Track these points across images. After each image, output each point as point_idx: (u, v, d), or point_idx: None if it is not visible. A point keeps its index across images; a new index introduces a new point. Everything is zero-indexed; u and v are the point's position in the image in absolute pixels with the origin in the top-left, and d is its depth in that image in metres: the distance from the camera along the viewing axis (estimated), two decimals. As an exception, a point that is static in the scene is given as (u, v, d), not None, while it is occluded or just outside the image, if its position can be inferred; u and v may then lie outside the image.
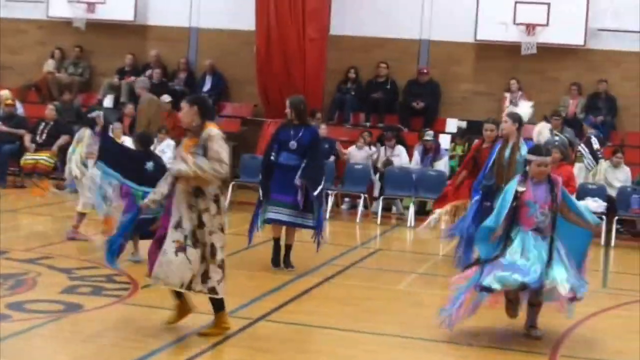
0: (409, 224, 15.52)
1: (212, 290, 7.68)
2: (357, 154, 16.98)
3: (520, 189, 8.07)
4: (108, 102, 19.30)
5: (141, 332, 8.04)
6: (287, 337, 8.09)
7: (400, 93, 18.98)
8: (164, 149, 16.84)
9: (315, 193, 10.60)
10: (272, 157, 10.70)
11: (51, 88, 19.61)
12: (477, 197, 10.73)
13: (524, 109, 10.89)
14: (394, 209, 16.67)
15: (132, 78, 19.41)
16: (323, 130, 16.21)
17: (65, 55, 20.49)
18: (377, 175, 16.58)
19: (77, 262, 10.62)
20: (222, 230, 7.70)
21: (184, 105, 7.81)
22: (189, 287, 7.67)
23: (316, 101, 17.83)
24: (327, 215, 15.39)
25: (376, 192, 16.38)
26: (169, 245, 7.58)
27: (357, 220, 15.79)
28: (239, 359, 7.38)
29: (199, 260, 7.61)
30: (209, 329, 7.87)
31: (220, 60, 19.83)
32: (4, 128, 17.07)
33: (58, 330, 7.93)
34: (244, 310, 8.81)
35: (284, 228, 10.86)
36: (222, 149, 7.57)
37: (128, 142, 17.20)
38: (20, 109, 18.28)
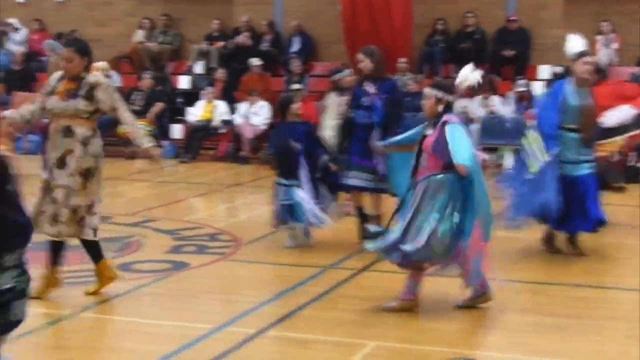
0: (506, 173, 15.41)
1: (59, 234, 7.56)
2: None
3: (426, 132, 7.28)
4: (198, 68, 19.50)
5: (246, 286, 8.18)
6: (391, 286, 8.11)
7: (489, 42, 18.75)
8: (258, 110, 16.99)
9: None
10: (350, 115, 9.64)
11: (142, 58, 19.85)
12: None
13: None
14: (490, 157, 16.48)
15: (221, 43, 19.55)
16: (414, 86, 16.14)
17: (154, 25, 20.71)
18: (471, 125, 16.44)
19: (179, 224, 10.80)
20: (85, 175, 7.51)
21: (72, 55, 7.58)
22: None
23: (405, 56, 17.77)
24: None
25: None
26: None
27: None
28: (348, 308, 7.40)
29: (49, 201, 7.52)
30: (94, 287, 7.75)
31: (306, 20, 19.83)
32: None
33: (166, 288, 8.08)
34: (348, 262, 8.88)
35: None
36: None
37: (220, 105, 17.44)
38: (115, 80, 18.55)
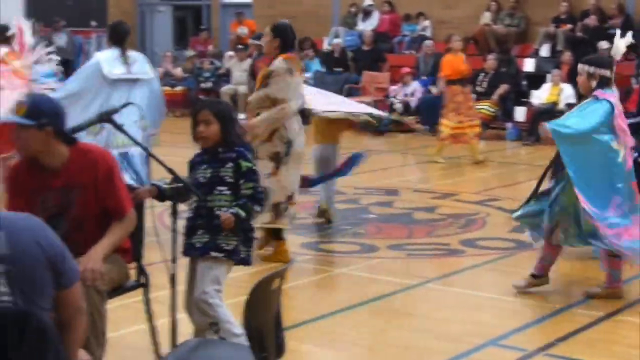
0: None
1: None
2: None
3: None
4: (544, 51, 19.28)
5: (595, 269, 7.98)
6: None
7: None
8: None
9: None
10: None
11: (488, 40, 19.88)
12: None
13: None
14: None
15: (569, 26, 19.19)
16: None
17: (500, 7, 20.66)
18: None
19: (523, 204, 10.77)
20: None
21: (267, 33, 7.64)
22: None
23: None
24: None
25: None
26: None
27: None
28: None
29: None
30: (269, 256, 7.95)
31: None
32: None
33: (511, 265, 8.14)
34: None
35: None
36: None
37: (567, 89, 17.16)
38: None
